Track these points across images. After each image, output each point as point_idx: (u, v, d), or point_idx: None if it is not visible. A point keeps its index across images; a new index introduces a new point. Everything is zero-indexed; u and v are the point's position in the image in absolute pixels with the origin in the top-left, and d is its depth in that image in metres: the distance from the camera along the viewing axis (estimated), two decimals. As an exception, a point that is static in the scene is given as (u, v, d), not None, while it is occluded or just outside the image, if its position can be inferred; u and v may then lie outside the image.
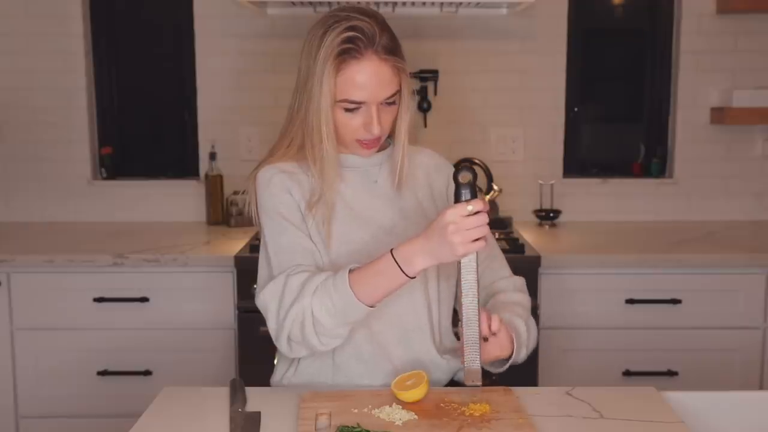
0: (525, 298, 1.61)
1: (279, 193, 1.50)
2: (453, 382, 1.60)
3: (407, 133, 1.54)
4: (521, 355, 1.50)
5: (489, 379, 1.51)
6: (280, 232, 1.49)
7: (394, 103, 1.48)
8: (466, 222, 1.28)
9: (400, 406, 1.33)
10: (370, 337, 1.51)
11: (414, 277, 1.35)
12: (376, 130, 1.45)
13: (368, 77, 1.42)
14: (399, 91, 1.48)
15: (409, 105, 1.52)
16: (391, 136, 1.57)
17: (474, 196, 1.31)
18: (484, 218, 1.30)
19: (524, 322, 1.53)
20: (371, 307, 1.37)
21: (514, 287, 1.63)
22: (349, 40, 1.41)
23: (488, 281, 1.61)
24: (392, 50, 1.45)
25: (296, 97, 1.50)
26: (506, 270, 1.66)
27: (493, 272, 1.63)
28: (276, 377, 1.62)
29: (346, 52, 1.41)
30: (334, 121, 1.46)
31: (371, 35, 1.42)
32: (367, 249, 1.50)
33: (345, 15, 1.44)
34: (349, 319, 1.39)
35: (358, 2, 2.59)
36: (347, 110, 1.45)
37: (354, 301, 1.35)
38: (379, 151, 1.58)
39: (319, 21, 1.47)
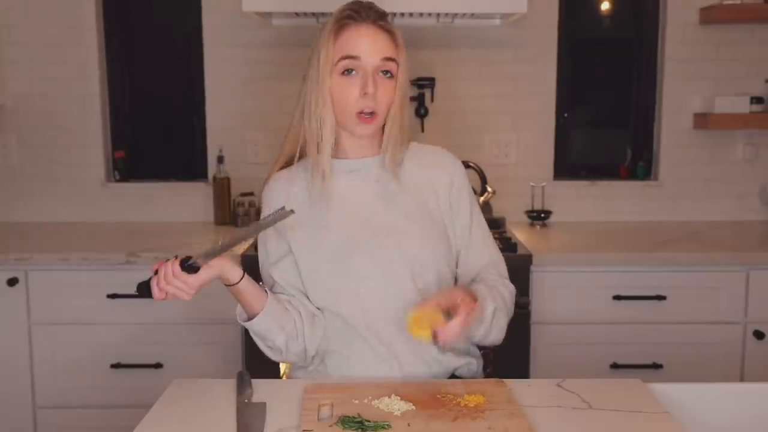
0: (510, 296, 1.59)
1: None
2: (453, 377, 1.59)
3: (402, 104, 1.52)
4: (479, 332, 1.50)
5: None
6: (264, 258, 1.60)
7: (391, 76, 1.48)
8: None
9: (399, 397, 1.33)
10: (378, 339, 1.51)
11: (236, 283, 1.46)
12: (371, 89, 1.44)
13: (367, 37, 1.45)
14: (396, 64, 1.48)
15: (405, 82, 1.51)
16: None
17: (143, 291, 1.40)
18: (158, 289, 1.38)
19: (494, 307, 1.50)
20: (250, 320, 1.49)
21: (503, 284, 1.60)
22: (350, 9, 1.46)
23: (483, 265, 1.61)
24: (391, 28, 1.49)
25: (303, 86, 1.52)
26: (505, 272, 1.65)
27: (493, 266, 1.62)
28: (294, 366, 1.63)
29: (347, 18, 1.46)
30: (332, 92, 1.47)
31: (371, 12, 1.47)
32: (368, 250, 1.50)
33: (352, 2, 1.50)
34: (254, 335, 1.53)
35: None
36: (345, 73, 1.46)
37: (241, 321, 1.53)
38: (378, 151, 1.57)
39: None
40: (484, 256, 1.61)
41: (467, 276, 1.60)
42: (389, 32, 1.48)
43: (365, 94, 1.45)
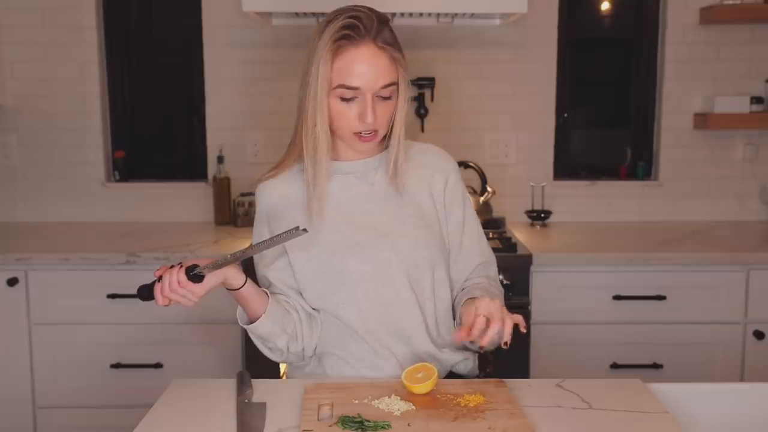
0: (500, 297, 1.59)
1: (263, 221, 1.57)
2: (451, 374, 1.60)
3: (403, 124, 1.50)
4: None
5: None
6: (258, 259, 1.58)
7: (390, 98, 1.45)
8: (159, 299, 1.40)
9: (399, 397, 1.33)
10: (375, 340, 1.51)
11: (238, 288, 1.45)
12: (369, 119, 1.41)
13: (365, 64, 1.39)
14: (396, 86, 1.45)
15: (406, 97, 1.47)
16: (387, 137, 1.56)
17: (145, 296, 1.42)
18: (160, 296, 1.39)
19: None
20: (252, 323, 1.48)
21: (496, 287, 1.62)
22: (348, 26, 1.39)
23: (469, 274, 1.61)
24: (391, 43, 1.43)
25: (300, 91, 1.48)
26: (495, 272, 1.65)
27: (484, 268, 1.63)
28: (292, 367, 1.63)
29: (345, 38, 1.39)
30: (330, 111, 1.43)
31: (370, 25, 1.40)
32: (363, 252, 1.49)
33: (350, 8, 1.44)
34: (255, 337, 1.53)
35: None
36: (343, 99, 1.42)
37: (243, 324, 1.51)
38: (375, 153, 1.56)
39: (326, 16, 1.45)
40: (477, 257, 1.61)
41: (461, 276, 1.60)
42: (390, 50, 1.42)
43: (364, 121, 1.43)
